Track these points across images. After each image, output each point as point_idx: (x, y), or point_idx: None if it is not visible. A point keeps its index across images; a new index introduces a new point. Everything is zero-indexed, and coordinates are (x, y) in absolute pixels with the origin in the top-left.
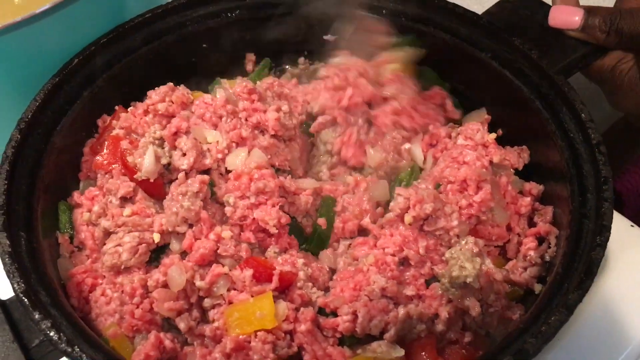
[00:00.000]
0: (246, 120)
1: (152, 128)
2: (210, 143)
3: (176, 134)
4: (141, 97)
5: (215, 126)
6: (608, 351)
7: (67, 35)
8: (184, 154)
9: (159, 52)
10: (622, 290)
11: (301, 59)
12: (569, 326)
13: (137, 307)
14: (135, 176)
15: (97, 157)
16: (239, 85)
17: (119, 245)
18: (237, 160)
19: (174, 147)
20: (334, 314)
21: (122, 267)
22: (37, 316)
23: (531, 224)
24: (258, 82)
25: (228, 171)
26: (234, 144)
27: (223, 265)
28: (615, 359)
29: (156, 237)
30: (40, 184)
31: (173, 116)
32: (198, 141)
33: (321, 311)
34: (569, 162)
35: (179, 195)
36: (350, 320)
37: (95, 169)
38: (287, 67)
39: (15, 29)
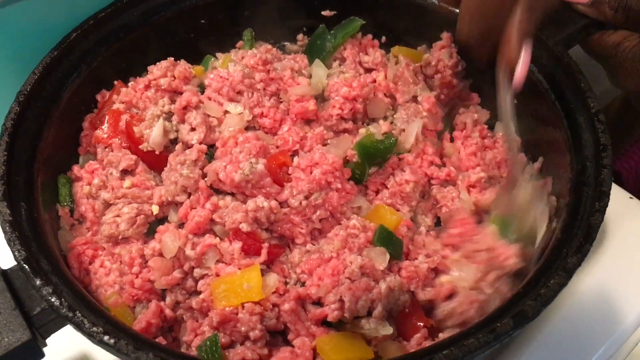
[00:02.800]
0: (264, 90)
1: (160, 101)
2: (218, 118)
3: (186, 108)
4: (140, 73)
5: (231, 100)
6: (607, 320)
7: (65, 10)
8: (193, 129)
9: (158, 28)
10: (620, 260)
11: (300, 36)
12: (569, 293)
13: (137, 277)
14: (140, 146)
15: (98, 131)
16: (252, 57)
17: (118, 216)
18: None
19: (183, 121)
20: (319, 303)
21: (120, 237)
22: (38, 282)
23: None
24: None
25: None
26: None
27: (215, 236)
28: (615, 328)
29: (155, 209)
30: (40, 157)
31: (175, 91)
32: (207, 116)
33: None
34: (568, 131)
35: (177, 165)
36: (338, 307)
37: (96, 142)
38: (285, 44)
39: (14, 2)
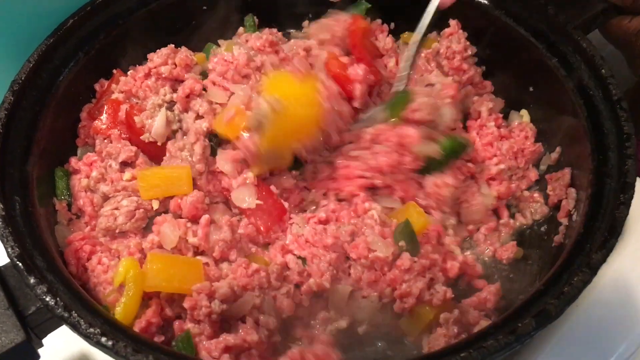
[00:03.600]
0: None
1: (162, 90)
2: (223, 104)
3: (189, 96)
4: (139, 61)
5: (236, 83)
6: (628, 317)
7: None
8: (200, 117)
9: (157, 14)
10: None
11: (305, 22)
12: (588, 289)
13: None
14: (142, 137)
15: (96, 122)
16: (257, 39)
17: (116, 208)
18: None
19: (186, 110)
20: None
21: (117, 231)
22: (32, 281)
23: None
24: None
25: None
26: None
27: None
28: (636, 326)
29: (155, 204)
30: (36, 149)
31: (177, 79)
32: (213, 103)
33: None
34: (588, 120)
35: (177, 151)
36: None
37: (94, 134)
38: (291, 31)
39: None
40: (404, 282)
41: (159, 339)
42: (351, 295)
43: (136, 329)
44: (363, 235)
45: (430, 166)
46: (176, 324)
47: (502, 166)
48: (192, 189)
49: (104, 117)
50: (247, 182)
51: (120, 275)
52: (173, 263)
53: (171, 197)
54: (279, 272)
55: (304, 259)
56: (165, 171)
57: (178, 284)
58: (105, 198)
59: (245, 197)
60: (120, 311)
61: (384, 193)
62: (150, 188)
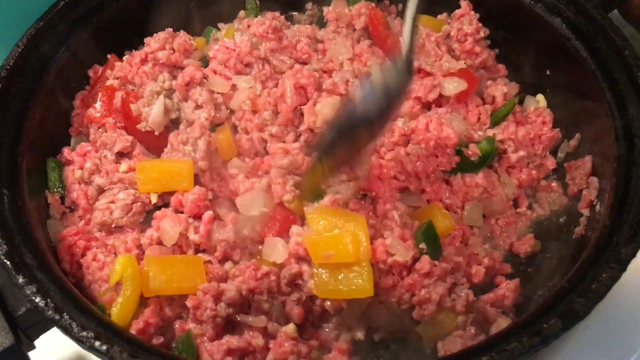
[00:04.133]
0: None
1: (160, 77)
2: (224, 93)
3: (189, 84)
4: (135, 46)
5: (238, 73)
6: None
7: None
8: (199, 106)
9: None
10: None
11: (309, 4)
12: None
13: None
14: (138, 126)
15: (90, 110)
16: (259, 24)
17: (112, 202)
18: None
19: (185, 99)
20: None
21: (113, 225)
22: (21, 280)
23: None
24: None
25: None
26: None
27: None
28: None
29: (153, 198)
30: (25, 139)
31: (175, 65)
32: (214, 92)
33: None
34: (612, 104)
35: (179, 144)
36: None
37: (88, 122)
38: (293, 13)
39: None
40: (424, 288)
41: (157, 340)
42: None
43: (133, 330)
44: (382, 238)
45: (463, 167)
46: (177, 324)
47: (521, 153)
48: (192, 185)
49: (98, 104)
50: (256, 186)
51: (116, 273)
52: (171, 263)
53: (171, 192)
54: (290, 278)
55: None
56: (165, 164)
57: (178, 284)
58: (101, 191)
59: (252, 204)
60: (117, 312)
61: (411, 192)
62: (148, 181)
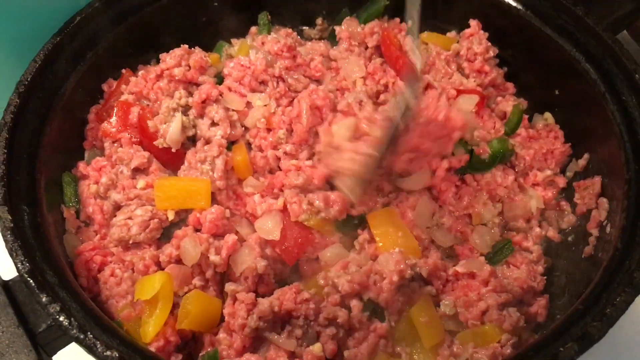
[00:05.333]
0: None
1: (177, 94)
2: (240, 111)
3: (205, 102)
4: (148, 60)
5: (253, 90)
6: None
7: None
8: (215, 124)
9: (167, 11)
10: None
11: (319, 20)
12: None
13: None
14: (155, 142)
15: (105, 124)
16: (274, 42)
17: (130, 218)
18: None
19: (201, 116)
20: None
21: (131, 241)
22: (44, 299)
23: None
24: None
25: None
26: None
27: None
28: None
29: (170, 215)
30: (43, 154)
31: (190, 81)
32: (229, 110)
33: None
34: (622, 127)
35: (197, 163)
36: None
37: (103, 136)
38: (304, 28)
39: None
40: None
41: (176, 358)
42: None
43: (153, 347)
44: None
45: (474, 165)
46: (207, 337)
47: (548, 172)
48: (210, 203)
49: (113, 119)
50: (274, 208)
51: (153, 288)
52: (209, 306)
53: (188, 210)
54: (330, 315)
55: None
56: (183, 183)
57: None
58: (117, 206)
59: (270, 226)
60: (150, 328)
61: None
62: (166, 199)
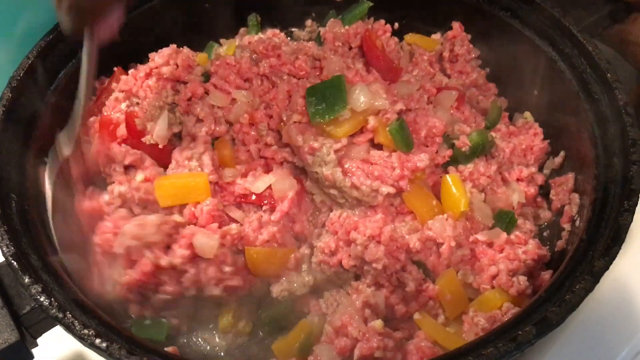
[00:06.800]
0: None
1: (164, 92)
2: (224, 107)
3: (191, 99)
4: (140, 59)
5: (238, 88)
6: (630, 321)
7: None
8: (200, 120)
9: (159, 11)
10: None
11: (308, 21)
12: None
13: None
14: (143, 139)
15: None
16: (259, 42)
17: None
18: None
19: (187, 113)
20: None
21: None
22: (26, 280)
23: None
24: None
25: None
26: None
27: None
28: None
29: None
30: (34, 146)
31: (178, 80)
32: (214, 107)
33: None
34: (594, 125)
35: (184, 160)
36: None
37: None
38: (293, 30)
39: None
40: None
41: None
42: None
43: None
44: None
45: (456, 158)
46: None
47: (532, 169)
48: (209, 195)
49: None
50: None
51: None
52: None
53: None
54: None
55: None
56: (182, 180)
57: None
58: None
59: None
60: None
61: None
62: (168, 197)
